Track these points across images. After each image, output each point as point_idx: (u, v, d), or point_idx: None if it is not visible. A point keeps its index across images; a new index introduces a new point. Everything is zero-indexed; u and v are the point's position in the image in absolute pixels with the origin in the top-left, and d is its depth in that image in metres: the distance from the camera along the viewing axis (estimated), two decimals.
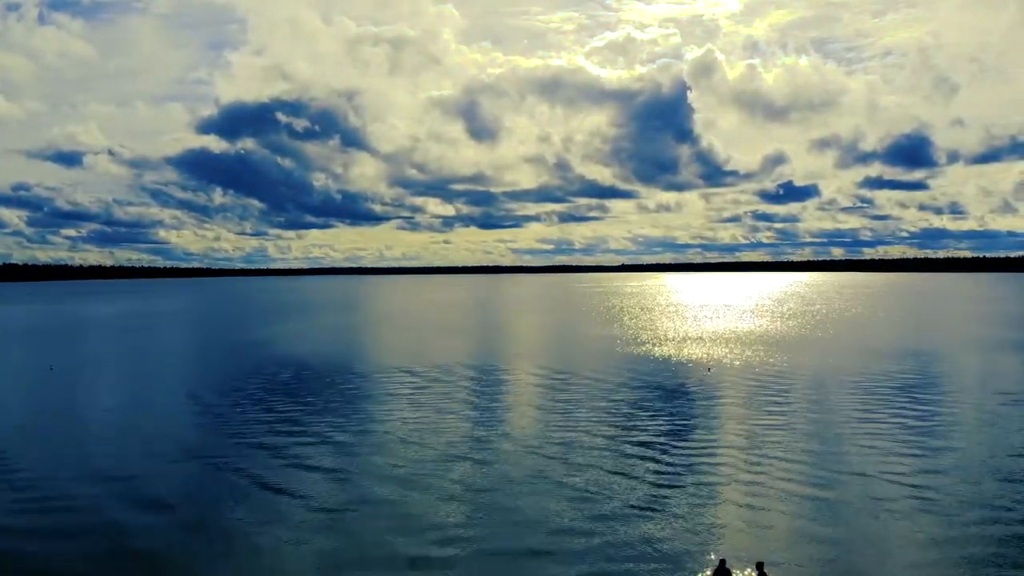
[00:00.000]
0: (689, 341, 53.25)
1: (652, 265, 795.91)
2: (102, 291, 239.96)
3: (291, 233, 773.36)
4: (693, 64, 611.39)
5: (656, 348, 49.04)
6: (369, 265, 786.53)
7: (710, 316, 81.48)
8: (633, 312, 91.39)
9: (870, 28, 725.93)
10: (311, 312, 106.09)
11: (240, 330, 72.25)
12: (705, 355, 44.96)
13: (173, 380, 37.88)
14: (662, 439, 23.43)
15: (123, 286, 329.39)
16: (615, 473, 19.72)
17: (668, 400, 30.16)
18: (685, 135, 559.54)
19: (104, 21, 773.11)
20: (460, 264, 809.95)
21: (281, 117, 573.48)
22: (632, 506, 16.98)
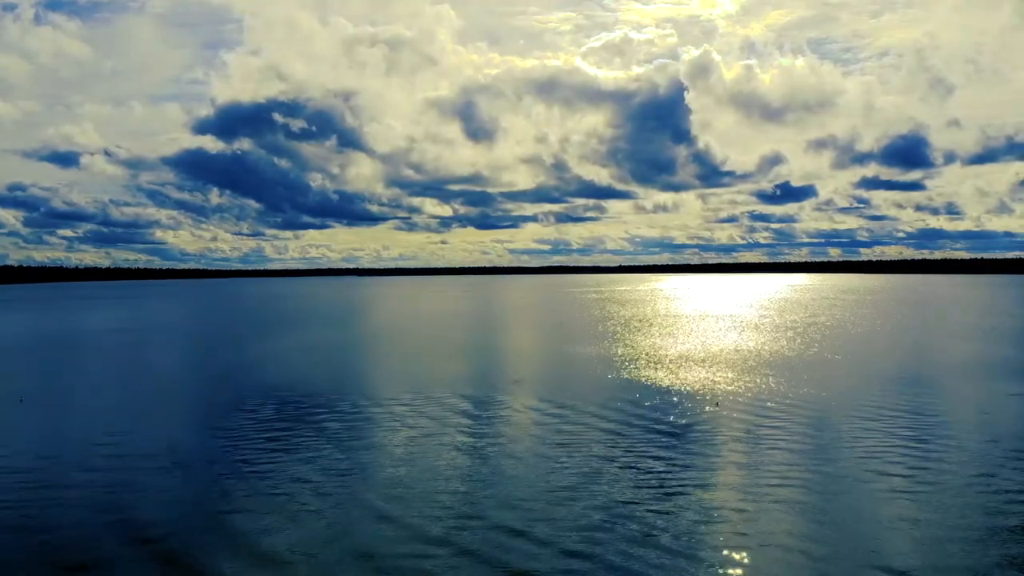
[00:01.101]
0: (692, 364, 51.28)
1: (649, 266, 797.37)
2: (97, 295, 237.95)
3: (288, 233, 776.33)
4: (690, 65, 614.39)
5: (657, 373, 47.05)
6: (366, 265, 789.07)
7: (711, 329, 79.59)
8: (630, 324, 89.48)
9: (867, 29, 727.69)
10: (303, 323, 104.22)
11: (231, 347, 70.34)
12: (710, 383, 42.95)
13: (155, 415, 35.81)
14: (669, 500, 21.41)
15: (119, 289, 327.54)
16: (617, 555, 17.73)
17: (675, 446, 28.09)
18: (682, 136, 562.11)
19: (100, 21, 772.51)
20: (457, 264, 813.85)
21: (278, 117, 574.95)
22: None
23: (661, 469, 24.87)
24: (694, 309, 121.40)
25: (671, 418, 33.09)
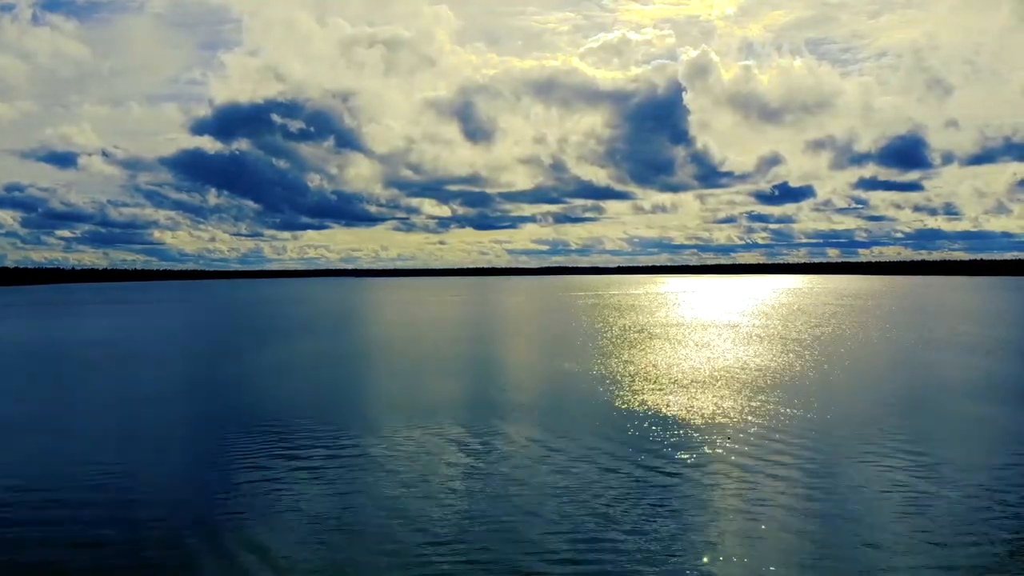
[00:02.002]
0: (698, 386, 49.26)
1: (648, 267, 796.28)
2: (93, 299, 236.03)
3: (286, 234, 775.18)
4: (688, 65, 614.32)
5: (663, 398, 45.01)
6: (365, 266, 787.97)
7: (714, 342, 77.60)
8: (629, 335, 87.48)
9: (865, 29, 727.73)
10: (297, 333, 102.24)
11: (221, 363, 68.44)
12: (719, 410, 40.91)
13: (134, 443, 33.79)
14: (678, 562, 19.45)
15: (117, 291, 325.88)
16: None
17: (686, 504, 26.12)
18: (680, 136, 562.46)
19: (98, 21, 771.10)
20: (456, 265, 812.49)
21: (276, 118, 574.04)
22: None
23: (673, 532, 22.85)
24: (695, 317, 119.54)
25: (681, 459, 30.99)
